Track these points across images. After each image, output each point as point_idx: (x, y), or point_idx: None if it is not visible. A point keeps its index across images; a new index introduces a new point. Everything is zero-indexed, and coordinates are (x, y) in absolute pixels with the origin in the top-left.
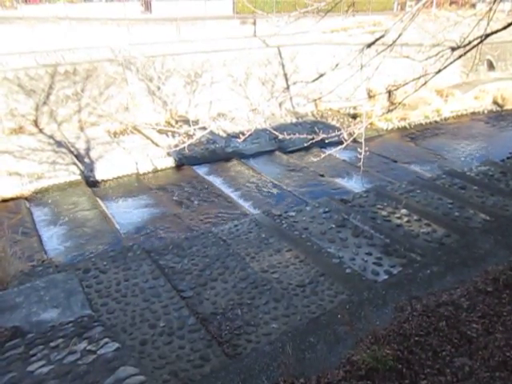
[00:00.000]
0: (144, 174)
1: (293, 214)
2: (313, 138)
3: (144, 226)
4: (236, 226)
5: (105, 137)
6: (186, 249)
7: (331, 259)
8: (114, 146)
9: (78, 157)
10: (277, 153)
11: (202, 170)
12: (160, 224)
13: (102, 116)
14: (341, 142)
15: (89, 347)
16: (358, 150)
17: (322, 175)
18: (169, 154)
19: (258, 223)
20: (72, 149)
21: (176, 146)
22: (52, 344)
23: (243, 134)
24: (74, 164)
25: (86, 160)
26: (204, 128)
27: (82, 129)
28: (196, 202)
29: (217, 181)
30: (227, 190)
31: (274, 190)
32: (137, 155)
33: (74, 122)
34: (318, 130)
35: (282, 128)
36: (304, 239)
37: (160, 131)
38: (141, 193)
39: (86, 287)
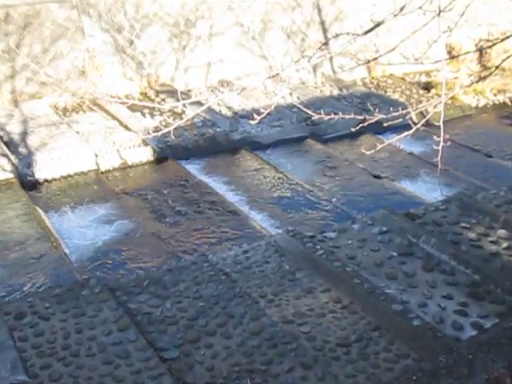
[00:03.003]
0: (108, 171)
1: (332, 235)
2: (364, 120)
3: (106, 251)
4: (245, 252)
5: (50, 115)
6: (170, 286)
7: (391, 305)
8: (64, 130)
9: (10, 145)
10: (309, 141)
11: (194, 167)
12: (130, 247)
13: (47, 84)
14: (407, 126)
15: None
16: (434, 138)
17: (378, 176)
18: (145, 142)
19: (279, 249)
20: (1, 133)
21: (156, 129)
22: None
23: (258, 112)
24: (4, 156)
25: (22, 150)
26: (199, 103)
27: (16, 103)
28: (185, 215)
29: (217, 183)
30: (232, 198)
31: (304, 198)
32: (97, 143)
33: (5, 93)
34: (371, 108)
35: (317, 104)
36: (349, 274)
37: (132, 107)
38: (102, 200)
39: (19, 341)
